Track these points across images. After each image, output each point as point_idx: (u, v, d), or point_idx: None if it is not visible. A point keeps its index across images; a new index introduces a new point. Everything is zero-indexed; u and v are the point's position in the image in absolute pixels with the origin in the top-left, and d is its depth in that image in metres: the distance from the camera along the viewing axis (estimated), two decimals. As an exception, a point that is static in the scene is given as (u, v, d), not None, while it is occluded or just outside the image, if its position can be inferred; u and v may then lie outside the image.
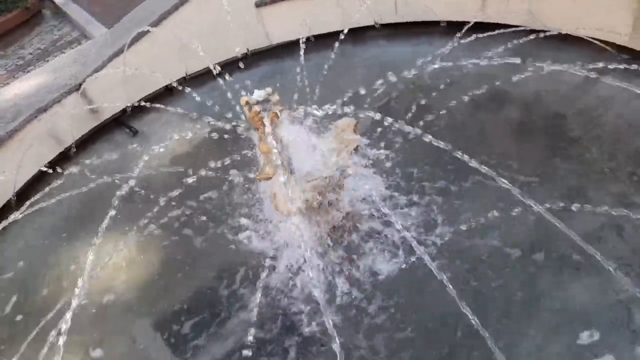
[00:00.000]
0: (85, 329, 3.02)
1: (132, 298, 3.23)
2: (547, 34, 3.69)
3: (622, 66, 3.02)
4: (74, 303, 2.22)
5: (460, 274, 2.69)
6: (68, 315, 2.19)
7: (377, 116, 2.56)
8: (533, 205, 2.22)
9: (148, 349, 2.91)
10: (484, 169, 2.24)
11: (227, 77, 3.75)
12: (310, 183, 2.94)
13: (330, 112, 2.75)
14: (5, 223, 3.18)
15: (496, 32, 3.85)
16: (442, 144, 2.29)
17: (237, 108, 3.87)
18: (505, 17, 4.42)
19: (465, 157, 2.27)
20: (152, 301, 3.18)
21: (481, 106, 3.78)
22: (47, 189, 3.53)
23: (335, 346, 1.82)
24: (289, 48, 5.13)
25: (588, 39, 3.84)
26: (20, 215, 3.29)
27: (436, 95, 3.80)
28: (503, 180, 2.26)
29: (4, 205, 4.28)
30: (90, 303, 3.17)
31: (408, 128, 2.44)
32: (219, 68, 3.89)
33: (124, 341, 2.98)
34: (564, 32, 3.79)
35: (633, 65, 2.98)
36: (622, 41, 3.89)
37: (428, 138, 2.38)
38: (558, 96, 3.73)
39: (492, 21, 4.44)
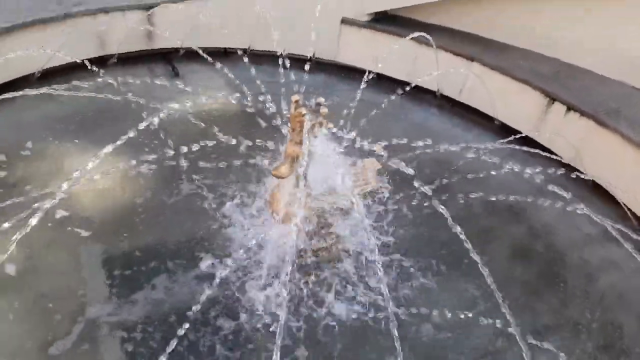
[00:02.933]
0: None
1: (99, 221, 3.19)
2: (584, 176, 3.77)
3: (637, 238, 3.09)
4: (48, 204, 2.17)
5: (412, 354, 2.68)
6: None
7: (404, 175, 2.59)
8: (511, 329, 2.22)
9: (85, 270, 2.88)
10: (484, 268, 2.25)
11: (287, 67, 3.79)
12: (313, 202, 2.96)
13: (363, 147, 2.80)
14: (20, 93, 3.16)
15: (538, 152, 3.94)
16: (457, 231, 2.29)
17: (282, 100, 3.89)
18: (553, 144, 4.52)
19: (474, 254, 2.27)
20: (115, 232, 3.13)
21: (495, 211, 3.82)
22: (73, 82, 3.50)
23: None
24: (352, 72, 5.21)
25: (618, 200, 3.91)
26: (37, 92, 3.26)
27: (460, 181, 3.84)
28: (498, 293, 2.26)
29: (25, 76, 4.29)
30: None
31: (433, 200, 2.45)
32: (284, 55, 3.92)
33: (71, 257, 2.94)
34: (600, 183, 3.87)
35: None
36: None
37: (448, 219, 2.39)
38: (568, 238, 3.77)
39: (542, 142, 4.55)
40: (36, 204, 2.41)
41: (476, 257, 2.25)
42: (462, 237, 2.33)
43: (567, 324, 3.11)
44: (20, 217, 2.48)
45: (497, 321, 2.70)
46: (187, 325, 2.27)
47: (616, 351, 2.98)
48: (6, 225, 2.41)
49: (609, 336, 3.07)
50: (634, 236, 3.07)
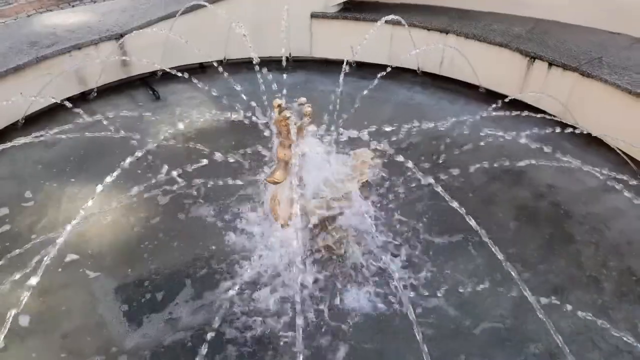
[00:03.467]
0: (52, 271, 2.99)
1: (105, 256, 3.20)
2: (576, 131, 3.77)
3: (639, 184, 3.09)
4: (54, 250, 2.17)
5: (430, 334, 2.69)
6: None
7: (398, 157, 2.60)
8: (525, 292, 2.23)
9: (103, 304, 2.89)
10: (486, 237, 2.26)
11: (264, 71, 3.79)
12: (313, 200, 2.97)
13: (353, 137, 2.81)
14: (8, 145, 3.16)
15: (527, 114, 3.93)
16: (455, 205, 2.29)
17: (266, 105, 3.91)
18: (541, 102, 4.52)
19: (472, 223, 2.28)
20: (122, 265, 3.14)
21: (495, 178, 3.83)
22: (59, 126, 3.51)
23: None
24: (330, 65, 5.21)
25: (614, 148, 3.92)
26: (26, 140, 3.27)
27: (456, 154, 3.85)
28: (507, 262, 2.26)
29: (10, 125, 4.30)
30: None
31: (426, 178, 2.46)
32: (257, 59, 3.91)
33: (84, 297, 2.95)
34: (593, 134, 3.87)
35: (649, 187, 3.04)
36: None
37: (440, 191, 2.40)
38: (570, 193, 3.78)
39: (529, 102, 4.54)
40: (43, 251, 2.44)
41: (479, 229, 2.25)
42: (459, 209, 2.34)
43: (583, 278, 3.12)
44: (30, 264, 2.51)
45: (516, 286, 2.71)
46: (208, 343, 2.29)
47: (634, 297, 3.00)
48: (17, 276, 2.45)
49: (625, 284, 3.08)
50: (635, 182, 3.07)
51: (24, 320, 2.72)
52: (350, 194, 3.05)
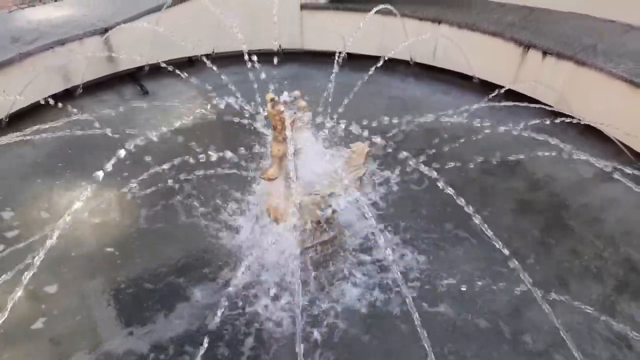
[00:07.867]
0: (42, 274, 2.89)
1: (96, 254, 3.12)
2: (573, 120, 3.72)
3: (635, 173, 3.05)
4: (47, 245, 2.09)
5: (432, 330, 2.64)
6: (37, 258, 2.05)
7: (393, 150, 2.54)
8: (528, 286, 2.18)
9: (95, 307, 2.81)
10: (488, 231, 2.20)
11: (256, 65, 3.69)
12: (308, 196, 2.89)
13: (348, 131, 2.74)
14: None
15: (522, 104, 3.89)
16: (452, 194, 2.23)
17: (258, 99, 3.82)
18: (536, 92, 4.48)
19: (477, 217, 2.22)
20: (114, 262, 3.07)
21: (491, 170, 3.78)
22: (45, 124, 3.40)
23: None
24: (322, 57, 5.12)
25: (610, 136, 3.88)
26: (10, 140, 3.18)
27: (451, 147, 3.79)
28: (510, 254, 2.21)
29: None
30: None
31: (422, 170, 2.39)
32: (247, 52, 3.81)
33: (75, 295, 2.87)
34: (589, 123, 3.84)
35: (646, 175, 2.99)
36: (641, 149, 3.92)
37: (440, 184, 2.34)
38: (566, 183, 3.75)
39: (523, 92, 4.49)
40: (31, 253, 2.34)
41: (478, 219, 2.19)
42: (457, 198, 2.28)
43: (581, 270, 3.08)
44: (17, 267, 2.45)
45: (514, 281, 2.68)
46: (207, 342, 2.22)
47: (633, 288, 2.96)
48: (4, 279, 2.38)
49: (624, 274, 3.05)
50: (631, 170, 3.03)
51: (15, 324, 2.64)
52: (346, 190, 2.98)
